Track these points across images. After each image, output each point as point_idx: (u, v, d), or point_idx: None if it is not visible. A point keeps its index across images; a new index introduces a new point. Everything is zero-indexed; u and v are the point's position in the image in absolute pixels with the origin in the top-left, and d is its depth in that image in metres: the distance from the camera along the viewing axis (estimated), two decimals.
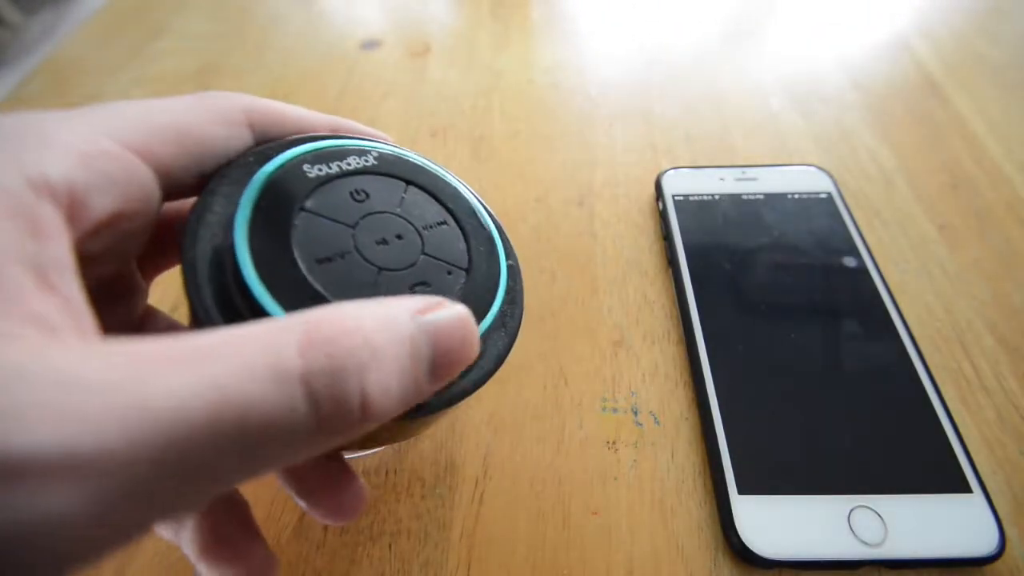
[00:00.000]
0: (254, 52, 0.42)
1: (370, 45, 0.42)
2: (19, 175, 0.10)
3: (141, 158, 0.12)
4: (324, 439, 0.10)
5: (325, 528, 0.20)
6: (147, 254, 0.15)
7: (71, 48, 0.44)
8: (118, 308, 0.16)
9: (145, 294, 0.17)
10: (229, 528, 0.15)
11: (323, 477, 0.15)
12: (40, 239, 0.10)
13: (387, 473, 0.22)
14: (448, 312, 0.12)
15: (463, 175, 0.32)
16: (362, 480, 0.16)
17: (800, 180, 0.30)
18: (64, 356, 0.08)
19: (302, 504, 0.15)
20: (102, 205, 0.11)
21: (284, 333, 0.09)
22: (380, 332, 0.10)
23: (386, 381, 0.10)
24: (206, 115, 0.14)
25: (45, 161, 0.10)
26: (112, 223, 0.12)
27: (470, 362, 0.12)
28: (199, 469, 0.08)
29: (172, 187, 0.13)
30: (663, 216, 0.29)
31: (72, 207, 0.11)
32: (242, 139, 0.15)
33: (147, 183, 0.12)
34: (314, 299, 0.12)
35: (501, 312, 0.16)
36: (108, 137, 0.12)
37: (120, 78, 0.40)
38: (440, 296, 0.13)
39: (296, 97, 0.38)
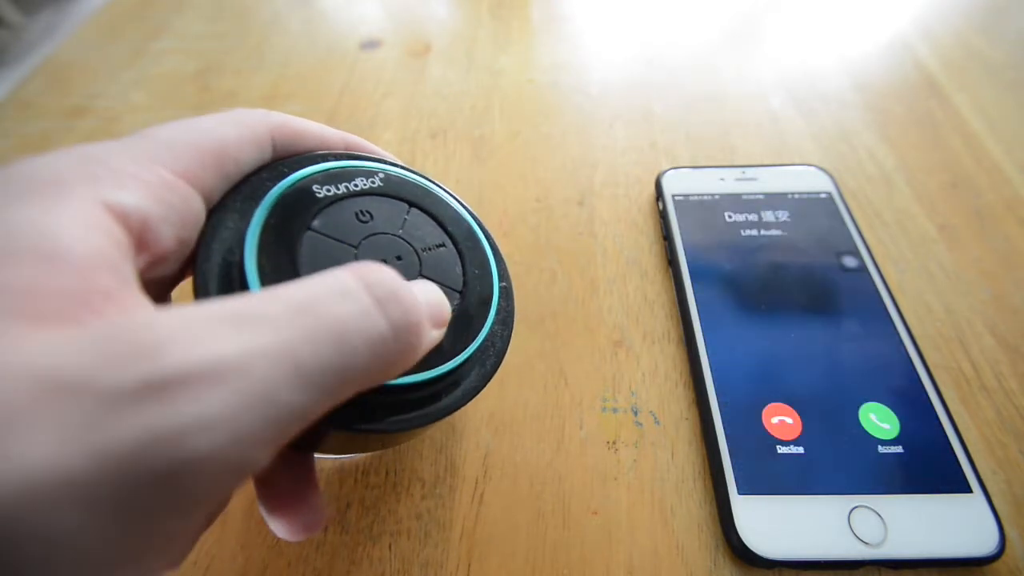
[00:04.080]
0: (254, 52, 0.42)
1: (370, 45, 0.42)
2: (96, 200, 0.11)
3: (192, 185, 0.13)
4: (398, 350, 0.12)
5: (326, 528, 0.20)
6: None
7: (71, 48, 0.44)
8: None
9: None
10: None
11: (289, 488, 0.16)
12: (118, 253, 0.11)
13: (387, 473, 0.22)
14: (427, 284, 0.15)
15: (463, 175, 0.32)
16: (323, 500, 0.16)
17: (800, 180, 0.30)
18: (169, 311, 0.10)
19: (264, 512, 0.16)
20: (169, 235, 0.12)
21: (334, 271, 0.12)
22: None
23: (420, 303, 0.13)
24: (240, 134, 0.14)
25: (119, 192, 0.11)
26: (177, 251, 0.13)
27: (447, 317, 0.15)
28: (309, 375, 0.10)
29: (209, 206, 0.14)
30: (663, 216, 0.29)
31: (143, 236, 0.12)
32: (267, 157, 0.15)
33: (199, 210, 0.13)
34: None
35: (491, 333, 0.17)
36: (164, 167, 0.13)
37: (120, 78, 0.40)
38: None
39: (296, 97, 0.38)
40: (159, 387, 0.08)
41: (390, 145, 0.34)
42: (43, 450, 0.08)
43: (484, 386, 0.17)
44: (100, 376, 0.08)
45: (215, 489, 0.09)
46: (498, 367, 0.17)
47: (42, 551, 0.08)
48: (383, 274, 0.12)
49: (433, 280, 0.16)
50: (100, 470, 0.08)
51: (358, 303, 0.11)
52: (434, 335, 0.14)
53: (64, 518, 0.08)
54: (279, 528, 0.16)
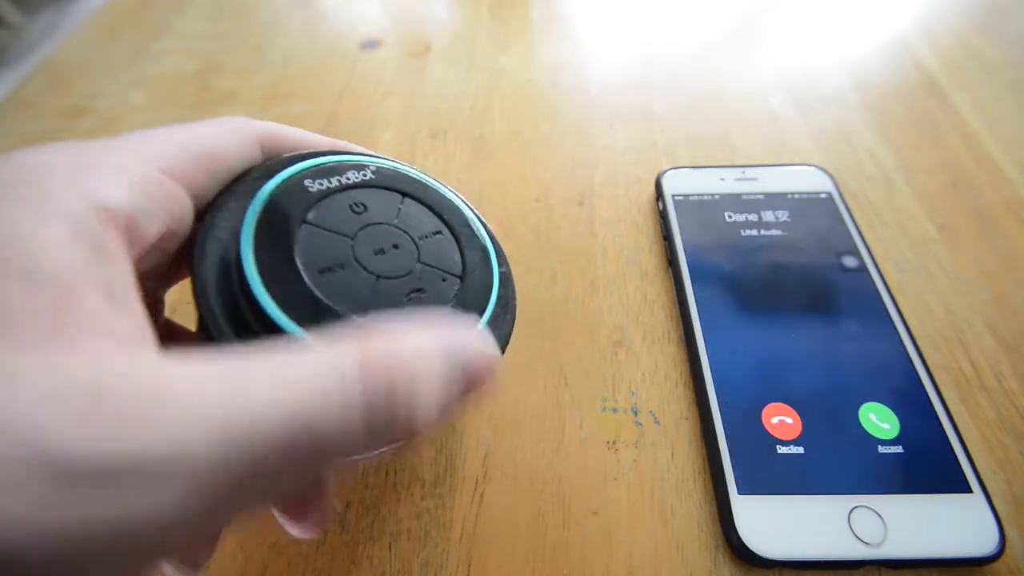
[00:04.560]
0: (254, 52, 0.42)
1: (370, 45, 0.42)
2: (83, 201, 0.11)
3: (179, 182, 0.13)
4: (371, 445, 0.11)
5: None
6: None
7: (71, 48, 0.44)
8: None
9: (163, 308, 0.18)
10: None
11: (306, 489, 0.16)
12: (108, 262, 0.11)
13: (387, 473, 0.22)
14: (479, 337, 0.13)
15: (463, 175, 0.32)
16: (334, 500, 0.16)
17: (800, 180, 0.30)
18: (149, 371, 0.09)
19: (275, 511, 0.16)
20: (152, 229, 0.12)
21: (343, 356, 0.10)
22: (425, 353, 0.11)
23: (431, 399, 0.11)
24: (228, 136, 0.15)
25: (105, 188, 0.11)
26: (159, 245, 0.13)
27: (493, 377, 0.13)
28: (269, 475, 0.10)
29: (198, 206, 0.14)
30: (663, 216, 0.29)
31: (130, 232, 0.12)
32: (256, 159, 0.16)
33: (185, 206, 0.13)
34: (317, 308, 0.13)
35: (493, 316, 0.16)
36: (151, 164, 0.12)
37: (120, 78, 0.40)
38: (443, 305, 0.14)
39: (296, 97, 0.38)
40: (117, 472, 0.08)
41: (390, 145, 0.34)
42: None
43: None
44: (67, 442, 0.08)
45: (151, 558, 0.09)
46: (503, 351, 0.17)
47: None
48: (391, 367, 0.11)
49: (432, 267, 0.16)
50: (38, 549, 0.08)
51: (348, 406, 0.10)
52: (447, 410, 0.12)
53: None
54: (291, 526, 0.16)
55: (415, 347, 0.11)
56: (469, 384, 0.12)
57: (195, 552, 0.15)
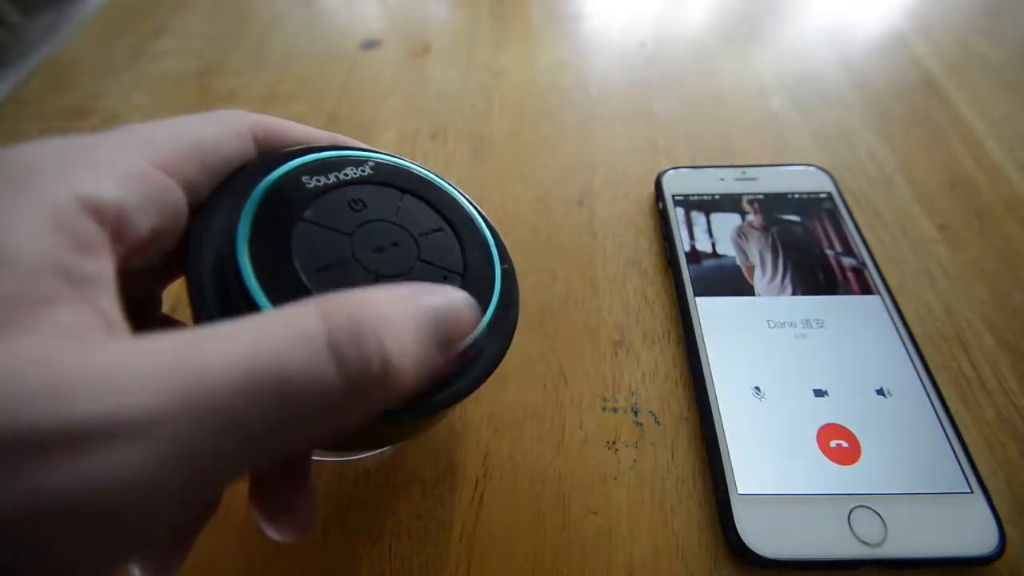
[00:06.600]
0: (254, 52, 0.42)
1: (370, 45, 0.42)
2: (69, 192, 0.10)
3: (172, 177, 0.13)
4: (354, 400, 0.10)
5: (325, 528, 0.20)
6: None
7: (71, 48, 0.43)
8: (147, 324, 0.17)
9: (161, 305, 0.18)
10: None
11: (283, 490, 0.15)
12: (82, 254, 0.10)
13: (387, 473, 0.22)
14: (448, 292, 0.13)
15: (463, 175, 0.32)
16: (317, 503, 0.16)
17: (800, 180, 0.30)
18: (99, 347, 0.09)
19: (255, 512, 0.15)
20: (145, 225, 0.12)
21: (303, 306, 0.10)
22: (390, 303, 0.11)
23: (402, 341, 0.11)
24: (219, 129, 0.14)
25: (96, 182, 0.11)
26: (152, 241, 0.13)
27: (472, 330, 0.14)
28: (244, 430, 0.09)
29: (193, 201, 0.14)
30: (663, 216, 0.29)
31: (119, 227, 0.11)
32: (250, 152, 0.15)
33: (178, 201, 0.13)
34: None
35: (496, 316, 0.16)
36: (142, 157, 0.12)
37: (120, 78, 0.40)
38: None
39: (296, 97, 0.38)
40: (53, 441, 0.08)
41: (390, 145, 0.34)
42: None
43: (491, 372, 0.16)
44: (11, 413, 0.08)
45: (125, 546, 0.09)
46: (505, 351, 0.16)
47: None
48: (352, 308, 0.11)
49: (432, 264, 0.15)
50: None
51: (312, 347, 0.10)
52: (427, 361, 0.12)
53: None
54: (270, 529, 0.15)
55: (378, 294, 0.11)
56: (444, 333, 0.12)
57: (166, 555, 0.15)
